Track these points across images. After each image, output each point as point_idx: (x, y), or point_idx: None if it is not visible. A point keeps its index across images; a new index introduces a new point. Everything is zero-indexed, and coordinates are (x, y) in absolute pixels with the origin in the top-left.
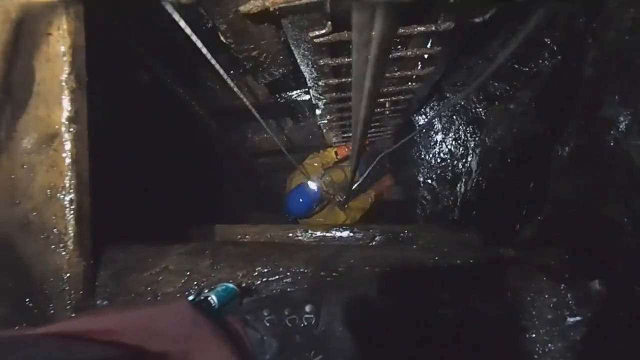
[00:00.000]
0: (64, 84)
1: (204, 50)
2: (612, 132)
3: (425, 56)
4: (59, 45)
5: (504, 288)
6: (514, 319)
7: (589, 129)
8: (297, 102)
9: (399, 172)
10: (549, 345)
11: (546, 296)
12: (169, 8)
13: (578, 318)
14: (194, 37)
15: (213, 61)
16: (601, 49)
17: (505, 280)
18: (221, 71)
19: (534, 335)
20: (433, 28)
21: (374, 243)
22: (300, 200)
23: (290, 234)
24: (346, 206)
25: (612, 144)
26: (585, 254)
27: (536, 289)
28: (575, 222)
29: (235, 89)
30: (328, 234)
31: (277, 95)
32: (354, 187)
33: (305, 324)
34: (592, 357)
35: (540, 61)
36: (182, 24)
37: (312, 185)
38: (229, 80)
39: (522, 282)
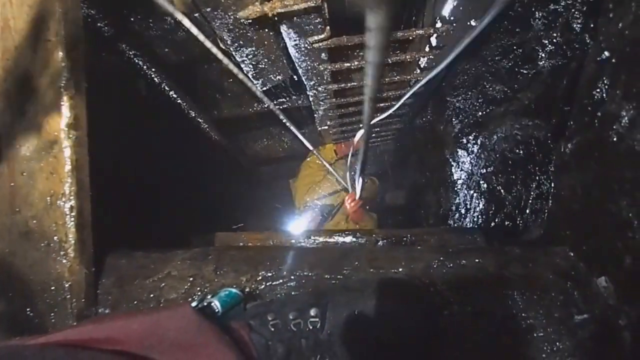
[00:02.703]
0: (62, 89)
1: (220, 55)
2: (615, 127)
3: (425, 60)
4: (57, 51)
5: (510, 287)
6: (521, 318)
7: (591, 125)
8: (298, 109)
9: (401, 176)
10: (557, 343)
11: (553, 294)
12: (179, 15)
13: (586, 316)
14: (207, 43)
15: (231, 66)
16: (602, 45)
17: (512, 279)
18: (240, 75)
19: (542, 334)
20: (431, 31)
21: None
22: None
23: (293, 241)
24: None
25: (615, 139)
26: (591, 251)
27: (543, 287)
28: (580, 219)
29: (259, 94)
30: (331, 240)
31: (276, 102)
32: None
33: (311, 327)
34: (601, 354)
35: (540, 62)
36: (195, 30)
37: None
38: (251, 84)
39: (528, 281)
